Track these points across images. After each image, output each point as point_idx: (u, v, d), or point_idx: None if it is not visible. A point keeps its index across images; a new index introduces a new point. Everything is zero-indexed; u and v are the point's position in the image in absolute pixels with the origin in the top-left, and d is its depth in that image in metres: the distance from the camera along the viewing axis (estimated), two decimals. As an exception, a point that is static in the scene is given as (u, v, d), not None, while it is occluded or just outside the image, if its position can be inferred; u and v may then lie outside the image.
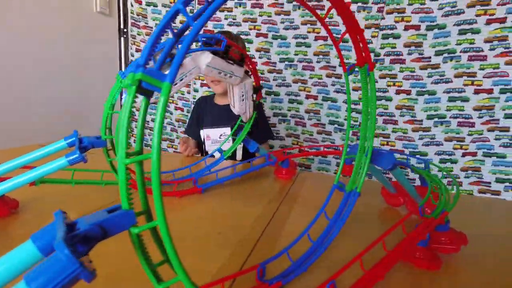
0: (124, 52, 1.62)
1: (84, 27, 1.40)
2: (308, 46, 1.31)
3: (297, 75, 1.35)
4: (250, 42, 1.36)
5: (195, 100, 1.30)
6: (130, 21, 1.55)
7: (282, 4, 1.30)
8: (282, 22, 1.31)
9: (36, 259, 0.15)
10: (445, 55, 1.15)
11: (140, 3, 1.49)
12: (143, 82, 0.16)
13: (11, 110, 1.12)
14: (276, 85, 1.39)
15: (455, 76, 1.15)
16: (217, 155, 0.73)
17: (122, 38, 1.59)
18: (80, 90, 1.40)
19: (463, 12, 1.10)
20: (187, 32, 0.19)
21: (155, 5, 1.47)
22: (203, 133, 1.03)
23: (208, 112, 1.07)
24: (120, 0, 1.54)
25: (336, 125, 1.34)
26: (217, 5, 0.18)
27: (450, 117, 1.18)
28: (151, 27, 1.50)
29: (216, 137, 1.01)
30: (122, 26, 1.58)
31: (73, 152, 0.36)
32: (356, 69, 0.37)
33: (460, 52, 1.13)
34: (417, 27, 1.17)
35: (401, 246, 0.31)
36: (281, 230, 0.41)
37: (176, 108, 1.59)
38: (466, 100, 1.15)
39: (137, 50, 1.57)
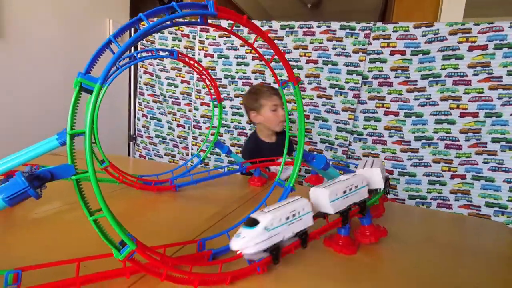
0: (134, 73, 1.76)
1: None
2: (247, 65, 1.47)
3: (238, 90, 1.50)
4: (247, 65, 1.46)
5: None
6: (140, 47, 1.70)
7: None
8: (225, 44, 1.50)
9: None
10: (431, 79, 1.19)
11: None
12: (83, 84, 0.24)
13: (25, 116, 1.25)
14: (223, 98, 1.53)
15: (441, 99, 1.18)
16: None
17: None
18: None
19: (446, 39, 1.15)
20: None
21: (162, 32, 1.61)
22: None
23: (258, 149, 1.11)
24: (131, 31, 1.70)
25: None
26: (137, 36, 0.25)
27: (438, 139, 1.20)
28: (152, 51, 1.63)
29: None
30: (133, 51, 1.73)
31: (63, 135, 0.42)
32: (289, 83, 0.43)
33: (445, 76, 1.17)
34: (402, 52, 1.22)
35: (317, 231, 0.35)
36: (230, 224, 0.45)
37: (178, 125, 1.68)
38: (452, 122, 1.17)
39: (144, 72, 1.71)
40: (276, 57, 0.39)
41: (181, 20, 0.28)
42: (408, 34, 1.20)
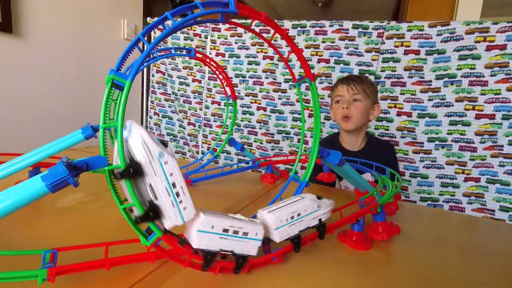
0: (147, 72, 1.79)
1: (113, 52, 1.58)
2: (258, 64, 1.46)
3: (249, 90, 1.50)
4: (258, 64, 1.47)
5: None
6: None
7: (236, 27, 1.47)
8: (236, 43, 1.50)
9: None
10: (446, 79, 1.17)
11: (161, 31, 1.66)
12: (115, 80, 0.25)
13: (44, 121, 1.28)
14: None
15: (456, 100, 1.16)
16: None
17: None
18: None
19: (462, 39, 1.12)
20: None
21: (174, 32, 1.63)
22: (341, 184, 0.89)
23: None
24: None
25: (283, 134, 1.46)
26: (163, 35, 0.26)
27: (452, 141, 1.17)
28: (171, 50, 1.65)
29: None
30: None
31: (87, 130, 0.44)
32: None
33: (461, 77, 1.15)
34: (416, 52, 1.20)
35: (332, 225, 0.35)
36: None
37: (189, 124, 1.70)
38: (467, 124, 1.15)
39: (157, 71, 1.73)
40: (289, 55, 0.39)
41: (202, 18, 0.29)
42: (423, 33, 1.18)
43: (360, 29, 1.27)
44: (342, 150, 0.93)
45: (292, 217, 0.32)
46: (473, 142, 1.14)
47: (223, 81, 0.67)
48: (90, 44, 1.46)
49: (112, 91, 0.52)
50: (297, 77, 0.44)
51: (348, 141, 0.94)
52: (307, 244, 0.33)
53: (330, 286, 0.29)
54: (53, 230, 0.38)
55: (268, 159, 0.74)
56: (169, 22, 0.27)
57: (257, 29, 1.46)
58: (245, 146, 1.55)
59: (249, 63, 1.49)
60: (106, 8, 1.53)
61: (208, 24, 1.56)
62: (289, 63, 1.40)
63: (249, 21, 1.46)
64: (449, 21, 1.15)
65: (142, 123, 1.84)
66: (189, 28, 1.59)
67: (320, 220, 0.34)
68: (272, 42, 1.40)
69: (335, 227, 0.35)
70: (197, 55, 0.58)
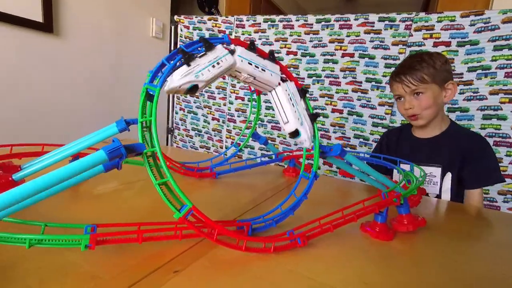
0: (173, 68, 1.86)
1: (142, 49, 1.66)
2: (281, 60, 1.43)
3: (324, 90, 1.42)
4: (281, 59, 1.47)
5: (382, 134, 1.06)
6: (179, 43, 1.78)
7: (259, 23, 1.47)
8: (260, 39, 1.49)
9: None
10: (479, 71, 1.11)
11: (188, 28, 1.71)
12: (149, 89, 0.30)
13: (75, 114, 1.38)
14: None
15: (490, 93, 1.10)
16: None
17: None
18: (131, 99, 1.64)
19: (498, 28, 1.06)
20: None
21: (200, 29, 1.68)
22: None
23: (405, 145, 0.88)
24: (172, 26, 1.79)
25: (361, 139, 1.36)
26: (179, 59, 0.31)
27: (485, 136, 1.12)
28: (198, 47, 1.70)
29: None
30: (172, 48, 1.82)
31: (121, 123, 0.47)
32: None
33: (496, 68, 1.09)
34: (447, 44, 1.15)
35: (355, 214, 0.36)
36: (266, 210, 0.48)
37: (213, 119, 1.75)
38: (503, 118, 1.09)
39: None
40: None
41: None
42: (454, 24, 1.13)
43: (386, 22, 1.24)
44: (411, 137, 0.87)
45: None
46: (510, 137, 1.08)
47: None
48: (121, 42, 1.54)
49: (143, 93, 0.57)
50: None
51: (418, 129, 0.86)
52: (331, 230, 0.34)
53: (350, 271, 0.31)
54: (91, 213, 0.42)
55: (291, 153, 0.75)
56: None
57: (280, 25, 1.46)
58: (269, 141, 1.57)
59: None
60: (136, 7, 1.60)
61: (232, 20, 1.59)
62: (309, 58, 1.40)
63: (272, 16, 1.47)
64: (484, 10, 1.09)
65: (168, 118, 1.92)
66: (214, 25, 1.63)
67: None
68: (295, 37, 1.43)
69: (358, 217, 0.36)
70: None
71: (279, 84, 0.38)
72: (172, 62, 0.31)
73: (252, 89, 0.70)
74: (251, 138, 0.73)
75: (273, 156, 0.74)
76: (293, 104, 0.38)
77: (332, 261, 0.32)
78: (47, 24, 1.21)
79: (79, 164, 0.23)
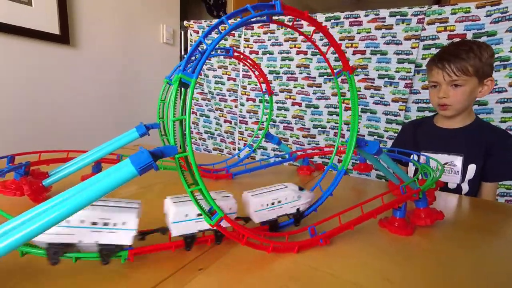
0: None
1: (154, 56, 1.70)
2: (291, 60, 1.46)
3: (283, 86, 1.50)
4: (291, 60, 1.48)
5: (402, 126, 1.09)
6: (189, 48, 1.81)
7: (268, 24, 1.50)
8: (269, 40, 1.53)
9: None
10: (497, 63, 1.08)
11: (198, 33, 1.74)
12: (182, 79, 0.28)
13: (91, 121, 1.42)
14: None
15: (510, 85, 1.07)
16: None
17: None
18: (144, 103, 1.68)
19: (516, 17, 1.03)
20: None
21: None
22: (420, 157, 0.82)
23: (426, 135, 0.88)
24: (181, 32, 1.83)
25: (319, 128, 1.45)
26: (224, 34, 0.30)
27: (506, 129, 1.08)
28: (217, 50, 1.73)
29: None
30: (183, 53, 1.85)
31: (141, 128, 0.50)
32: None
33: (515, 59, 1.05)
34: (462, 36, 1.12)
35: (372, 211, 0.36)
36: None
37: (225, 121, 1.77)
38: (524, 110, 1.05)
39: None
40: (322, 50, 0.40)
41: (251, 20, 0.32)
42: (470, 15, 1.10)
43: (398, 17, 1.22)
44: (434, 126, 0.85)
45: (273, 203, 0.35)
46: (532, 130, 1.04)
47: (259, 77, 0.70)
48: (134, 49, 1.58)
49: (166, 89, 0.57)
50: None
51: (442, 119, 0.84)
52: (351, 228, 0.35)
53: (372, 268, 0.31)
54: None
55: (303, 152, 0.76)
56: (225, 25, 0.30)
57: (291, 24, 1.46)
58: (282, 141, 1.57)
59: (283, 59, 1.50)
60: (146, 15, 1.64)
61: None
62: (319, 57, 1.39)
63: (281, 17, 1.47)
64: (500, 0, 1.06)
65: (182, 123, 1.95)
66: (223, 28, 1.64)
67: (298, 209, 0.37)
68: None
69: (377, 212, 0.36)
70: (235, 54, 0.61)
71: None
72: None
73: (264, 89, 0.71)
74: (264, 139, 0.73)
75: (287, 156, 0.74)
76: None
77: (353, 258, 0.33)
78: (63, 36, 1.25)
79: (111, 183, 0.23)
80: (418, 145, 0.87)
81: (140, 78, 1.62)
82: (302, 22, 1.43)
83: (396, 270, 0.31)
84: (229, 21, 0.31)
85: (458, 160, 0.77)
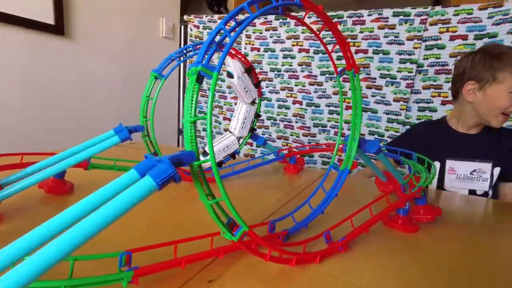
0: (183, 69, 1.87)
1: (153, 50, 1.67)
2: (293, 57, 1.46)
3: (284, 83, 1.50)
4: (293, 57, 1.47)
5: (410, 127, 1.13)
6: (189, 43, 1.79)
7: (271, 21, 1.51)
8: (271, 37, 1.51)
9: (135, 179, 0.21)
10: (498, 64, 1.09)
11: (198, 28, 1.72)
12: (201, 71, 0.24)
13: (88, 115, 1.40)
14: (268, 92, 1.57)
15: (510, 87, 1.08)
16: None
17: (182, 58, 1.84)
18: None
19: (518, 20, 1.04)
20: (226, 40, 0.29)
21: (210, 28, 1.68)
22: (446, 164, 0.80)
23: (446, 142, 0.84)
24: (181, 26, 1.81)
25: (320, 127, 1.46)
26: (246, 24, 0.28)
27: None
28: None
29: (466, 172, 0.77)
30: (182, 47, 1.83)
31: (122, 131, 0.42)
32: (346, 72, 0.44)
33: (516, 61, 1.06)
34: (464, 37, 1.13)
35: (383, 211, 0.37)
36: (290, 208, 0.48)
37: (224, 119, 1.75)
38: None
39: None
40: (324, 48, 0.39)
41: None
42: (472, 17, 1.11)
43: (401, 17, 1.22)
44: (454, 132, 0.84)
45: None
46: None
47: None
48: (132, 43, 1.56)
49: (152, 83, 0.53)
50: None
51: (463, 124, 0.83)
52: (367, 231, 0.34)
53: (390, 271, 0.30)
54: (124, 231, 0.37)
55: (289, 150, 0.75)
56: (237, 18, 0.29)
57: (292, 23, 1.46)
58: (282, 140, 1.56)
59: (284, 56, 1.49)
60: (145, 8, 1.61)
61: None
62: (321, 55, 1.39)
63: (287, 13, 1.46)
64: (503, 1, 1.07)
65: (179, 118, 1.93)
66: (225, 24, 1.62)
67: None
68: (307, 35, 1.41)
69: (387, 212, 0.36)
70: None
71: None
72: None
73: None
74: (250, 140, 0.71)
75: (273, 156, 0.73)
76: (244, 122, 0.58)
77: (369, 262, 0.32)
78: (58, 27, 1.22)
79: (128, 200, 0.19)
80: (435, 151, 0.83)
81: (138, 72, 1.59)
82: (304, 20, 1.42)
83: (414, 273, 0.30)
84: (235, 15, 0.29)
85: (487, 167, 0.75)
